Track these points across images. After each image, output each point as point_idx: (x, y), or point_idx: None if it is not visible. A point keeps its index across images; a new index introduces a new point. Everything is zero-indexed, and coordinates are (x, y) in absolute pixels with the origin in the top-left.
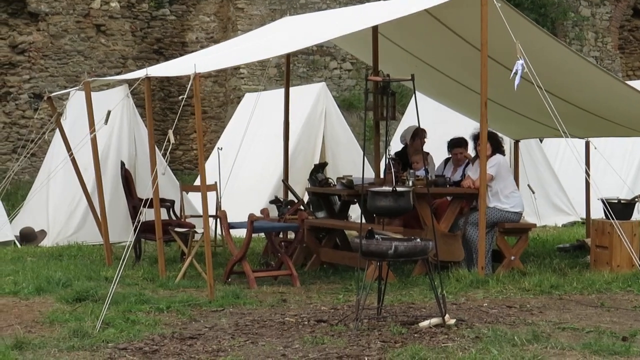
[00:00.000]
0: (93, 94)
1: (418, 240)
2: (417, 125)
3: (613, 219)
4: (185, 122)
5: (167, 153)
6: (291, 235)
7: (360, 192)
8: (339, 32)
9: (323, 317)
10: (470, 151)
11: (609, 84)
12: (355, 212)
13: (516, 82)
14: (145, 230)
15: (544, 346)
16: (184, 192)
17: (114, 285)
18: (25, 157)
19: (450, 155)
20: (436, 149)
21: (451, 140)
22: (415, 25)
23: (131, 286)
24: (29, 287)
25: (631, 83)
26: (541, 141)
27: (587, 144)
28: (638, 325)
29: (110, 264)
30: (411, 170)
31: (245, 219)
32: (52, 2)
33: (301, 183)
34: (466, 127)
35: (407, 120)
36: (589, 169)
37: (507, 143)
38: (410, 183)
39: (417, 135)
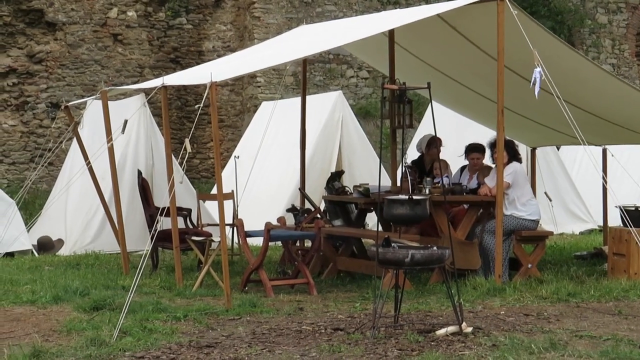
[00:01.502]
0: (110, 103)
1: (435, 248)
2: (433, 134)
3: (631, 226)
4: (202, 130)
5: (184, 162)
6: (308, 243)
7: (376, 200)
8: (354, 37)
9: (340, 326)
10: (488, 159)
11: (625, 92)
12: (372, 220)
13: (536, 90)
14: (162, 239)
15: (561, 354)
16: (201, 201)
17: (131, 293)
18: (42, 166)
19: (467, 163)
20: (453, 157)
21: (469, 145)
22: (431, 33)
23: (148, 295)
24: (46, 295)
25: None
26: (558, 149)
27: (604, 152)
28: None
29: (128, 273)
30: (428, 179)
31: (262, 227)
32: (69, 11)
33: (318, 191)
34: (484, 135)
35: (424, 129)
36: (606, 176)
37: (524, 151)
38: (427, 191)
39: (433, 143)
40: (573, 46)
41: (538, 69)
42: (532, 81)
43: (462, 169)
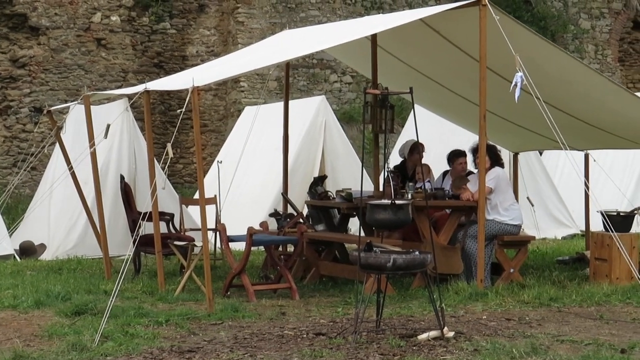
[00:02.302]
0: (93, 108)
1: (417, 253)
2: (415, 139)
3: (612, 231)
4: (185, 135)
5: (166, 166)
6: (290, 248)
7: (359, 205)
8: (337, 42)
9: (322, 330)
10: (470, 164)
11: (610, 91)
12: (354, 225)
13: (516, 94)
14: (145, 244)
15: (542, 359)
16: (184, 206)
17: (112, 298)
18: (25, 170)
19: (449, 168)
20: (436, 162)
21: (452, 152)
22: (414, 38)
23: (130, 300)
24: (28, 300)
25: None
26: (541, 154)
27: (587, 157)
28: (637, 338)
29: (110, 278)
30: (410, 184)
31: (244, 232)
32: (52, 16)
33: (301, 196)
34: (467, 140)
35: (407, 134)
36: (588, 181)
37: (507, 156)
38: (410, 196)
39: (415, 149)
40: None
41: (519, 74)
42: (512, 85)
43: (445, 173)
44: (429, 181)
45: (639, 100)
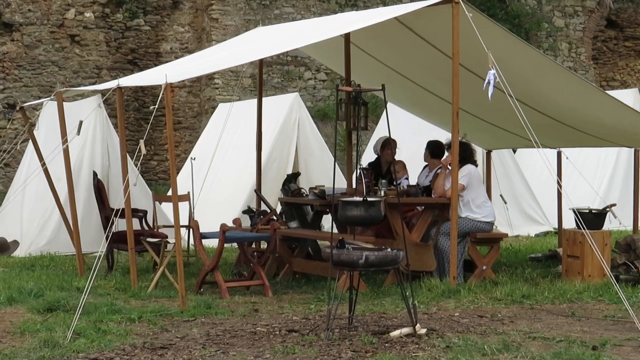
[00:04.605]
0: (66, 105)
1: (389, 249)
2: (388, 135)
3: (584, 228)
4: (160, 132)
5: (139, 163)
6: (264, 245)
7: (332, 202)
8: (310, 40)
9: (294, 327)
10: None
11: (581, 90)
12: (328, 222)
13: (489, 92)
14: (118, 241)
15: (514, 355)
16: (157, 202)
17: (85, 295)
18: None
19: (426, 163)
20: (411, 158)
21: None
22: (388, 35)
23: (103, 296)
24: (0, 297)
25: None
26: (514, 151)
27: (559, 154)
28: (608, 335)
29: (83, 274)
30: (383, 180)
31: (217, 229)
32: (26, 12)
33: (274, 193)
34: (440, 137)
35: (381, 131)
36: (560, 179)
37: (480, 153)
38: (382, 193)
39: (387, 145)
40: None
41: (492, 71)
42: (485, 82)
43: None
44: (406, 178)
45: (610, 99)
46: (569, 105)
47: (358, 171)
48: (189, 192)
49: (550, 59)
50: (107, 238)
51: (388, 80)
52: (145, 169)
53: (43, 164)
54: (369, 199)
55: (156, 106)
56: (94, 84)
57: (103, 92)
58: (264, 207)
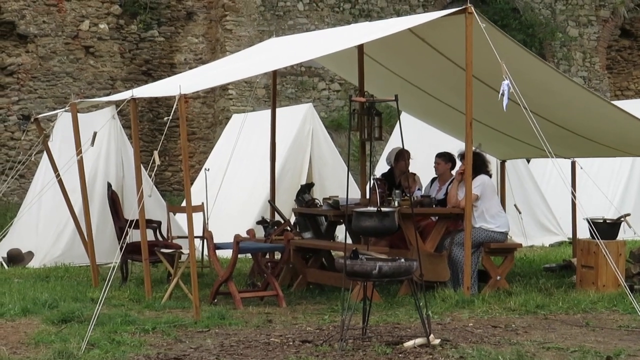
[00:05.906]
0: (80, 116)
1: (402, 260)
2: (401, 146)
3: (598, 238)
4: (174, 143)
5: (153, 174)
6: (278, 255)
7: (346, 213)
8: (323, 52)
9: (308, 338)
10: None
11: (594, 104)
12: (342, 232)
13: (504, 102)
14: (132, 252)
15: None
16: (171, 213)
17: (99, 306)
18: (13, 178)
19: (436, 175)
20: (424, 169)
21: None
22: (401, 45)
23: (117, 307)
24: (15, 308)
25: (619, 103)
26: (528, 161)
27: (573, 164)
28: (622, 345)
29: (97, 285)
30: (397, 191)
31: (231, 239)
32: (40, 24)
33: (288, 204)
34: (455, 147)
35: (394, 141)
36: (574, 189)
37: (494, 163)
38: (396, 203)
39: (401, 156)
40: (544, 59)
41: (506, 82)
42: (500, 93)
43: (433, 180)
44: (419, 189)
45: (623, 113)
46: (582, 116)
47: (372, 181)
48: (203, 203)
49: (561, 73)
50: (121, 249)
51: (401, 91)
52: (160, 180)
53: (57, 175)
54: (383, 209)
55: (170, 117)
56: (108, 95)
57: (117, 103)
58: (277, 217)
